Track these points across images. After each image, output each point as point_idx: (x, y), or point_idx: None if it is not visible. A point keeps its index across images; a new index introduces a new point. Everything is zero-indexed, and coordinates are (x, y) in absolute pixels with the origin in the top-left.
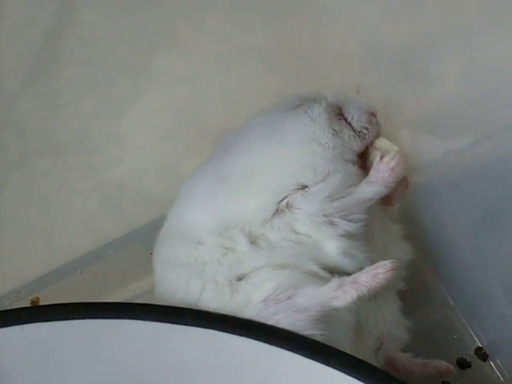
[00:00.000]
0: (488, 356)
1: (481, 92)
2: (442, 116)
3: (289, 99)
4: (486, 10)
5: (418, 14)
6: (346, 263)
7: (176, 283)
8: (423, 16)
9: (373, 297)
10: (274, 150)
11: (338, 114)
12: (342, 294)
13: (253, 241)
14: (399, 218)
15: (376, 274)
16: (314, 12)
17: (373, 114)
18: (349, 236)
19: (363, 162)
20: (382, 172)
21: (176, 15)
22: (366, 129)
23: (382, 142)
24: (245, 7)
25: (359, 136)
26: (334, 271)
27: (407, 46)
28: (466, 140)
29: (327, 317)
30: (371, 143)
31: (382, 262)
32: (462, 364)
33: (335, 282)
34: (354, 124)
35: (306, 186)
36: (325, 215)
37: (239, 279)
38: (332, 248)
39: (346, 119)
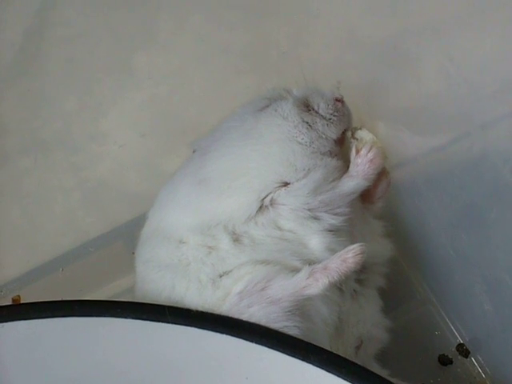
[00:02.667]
0: (469, 352)
1: (460, 89)
2: (422, 113)
3: (258, 100)
4: (466, 7)
5: (398, 11)
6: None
7: (160, 284)
8: (403, 13)
9: (355, 295)
10: (252, 151)
11: (306, 105)
12: (313, 282)
13: (236, 238)
14: (380, 215)
15: (346, 259)
16: (295, 9)
17: (338, 100)
18: (333, 231)
19: (343, 152)
20: (361, 165)
21: (157, 14)
22: (334, 115)
23: (362, 133)
24: (225, 5)
25: (330, 122)
26: None
27: (388, 42)
28: (446, 137)
29: (302, 308)
30: (352, 134)
31: (351, 246)
32: (444, 360)
33: (306, 270)
34: (321, 112)
35: (288, 183)
36: (309, 210)
37: (221, 276)
38: (316, 243)
39: (313, 109)
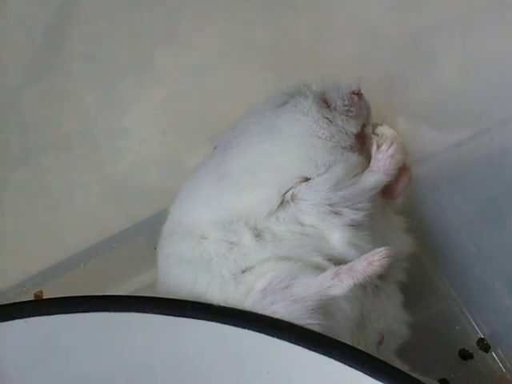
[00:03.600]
0: (490, 347)
1: (480, 86)
2: (443, 109)
3: (277, 96)
4: (486, 4)
5: (419, 7)
6: (351, 254)
7: (182, 278)
8: (423, 8)
9: (376, 290)
10: (273, 146)
11: (325, 101)
12: (338, 283)
13: (257, 234)
14: (401, 211)
15: (371, 262)
16: (314, 5)
17: (354, 93)
18: (354, 226)
19: (364, 147)
20: (382, 160)
21: (177, 11)
22: (351, 110)
23: (382, 129)
24: (245, 2)
25: (349, 117)
26: (340, 263)
27: (408, 38)
28: (466, 133)
29: (325, 307)
30: (373, 130)
31: (378, 250)
32: (464, 355)
33: (331, 270)
34: (338, 109)
35: (309, 178)
36: (330, 205)
37: (243, 272)
38: (338, 238)
39: (331, 105)
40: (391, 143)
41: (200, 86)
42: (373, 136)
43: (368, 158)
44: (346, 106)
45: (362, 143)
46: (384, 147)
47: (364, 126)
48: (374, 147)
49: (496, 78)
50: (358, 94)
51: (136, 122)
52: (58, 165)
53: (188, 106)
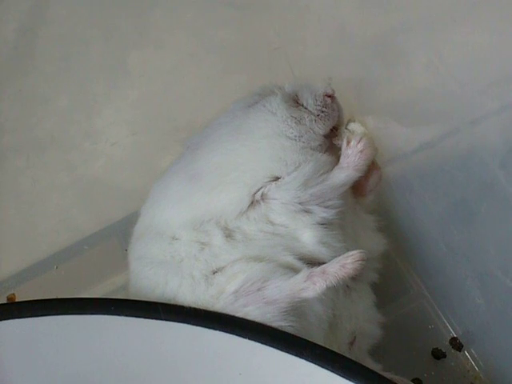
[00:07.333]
0: (463, 346)
1: (449, 85)
2: (412, 109)
3: (248, 96)
4: (454, 3)
5: (388, 7)
6: (322, 252)
7: (153, 280)
8: (393, 8)
9: (347, 290)
10: (242, 146)
11: (295, 101)
12: (311, 285)
13: (228, 234)
14: (372, 210)
15: (344, 264)
16: (285, 5)
17: (328, 95)
18: (325, 225)
19: (335, 147)
20: (352, 156)
21: (150, 12)
22: (323, 111)
23: (354, 125)
24: (217, 3)
25: (319, 118)
26: (311, 262)
27: (377, 38)
28: (436, 133)
29: (297, 309)
30: (346, 126)
31: (351, 252)
32: (437, 354)
33: (304, 273)
34: (309, 108)
35: (279, 178)
36: (300, 203)
37: (214, 272)
38: (308, 237)
39: (302, 105)
40: (360, 139)
41: (172, 88)
42: (345, 131)
43: (339, 158)
44: (318, 106)
45: (332, 143)
46: (353, 143)
47: (335, 128)
48: (344, 143)
49: (465, 78)
50: (332, 96)
51: (108, 124)
52: (30, 167)
53: (160, 108)
